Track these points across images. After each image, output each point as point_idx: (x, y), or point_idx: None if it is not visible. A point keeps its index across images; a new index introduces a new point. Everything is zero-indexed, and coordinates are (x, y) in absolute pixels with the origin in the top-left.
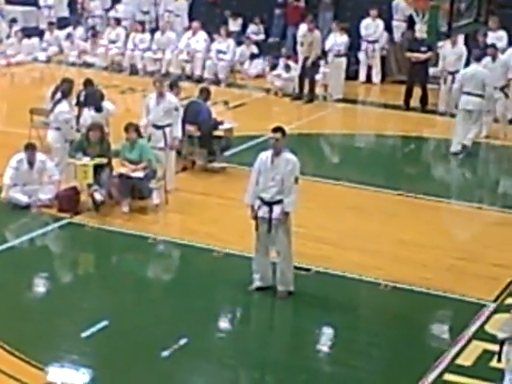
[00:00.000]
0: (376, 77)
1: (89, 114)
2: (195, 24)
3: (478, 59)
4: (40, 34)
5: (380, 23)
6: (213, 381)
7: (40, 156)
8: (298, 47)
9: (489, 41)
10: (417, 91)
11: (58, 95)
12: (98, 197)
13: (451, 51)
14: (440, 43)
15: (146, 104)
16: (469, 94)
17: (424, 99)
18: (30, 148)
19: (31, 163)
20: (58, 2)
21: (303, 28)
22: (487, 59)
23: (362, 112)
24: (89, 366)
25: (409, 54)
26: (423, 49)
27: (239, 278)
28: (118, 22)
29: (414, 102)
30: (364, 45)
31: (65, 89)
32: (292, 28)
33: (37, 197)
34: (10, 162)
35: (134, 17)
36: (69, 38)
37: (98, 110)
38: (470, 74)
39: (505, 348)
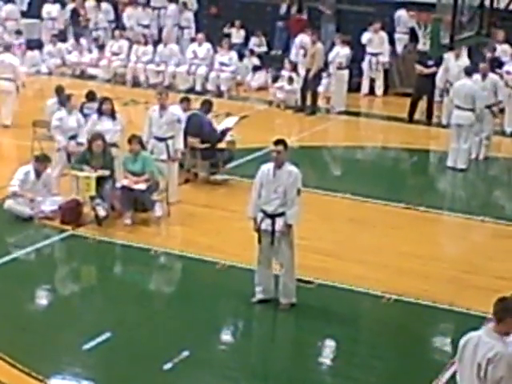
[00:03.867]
0: (378, 89)
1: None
2: (200, 35)
3: (469, 74)
4: (40, 46)
5: (384, 36)
6: None
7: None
8: (299, 57)
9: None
10: (421, 104)
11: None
12: (101, 212)
13: (454, 63)
14: (445, 55)
15: (149, 116)
16: (459, 108)
17: (429, 112)
18: (45, 160)
19: (38, 175)
20: (60, 15)
21: (303, 37)
22: (477, 76)
23: (365, 124)
24: (91, 378)
25: (417, 66)
26: (430, 63)
27: (241, 290)
28: (121, 34)
29: (417, 114)
30: (367, 57)
31: (63, 98)
32: (294, 40)
33: (39, 209)
34: (17, 173)
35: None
36: (72, 50)
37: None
38: (458, 87)
39: None
